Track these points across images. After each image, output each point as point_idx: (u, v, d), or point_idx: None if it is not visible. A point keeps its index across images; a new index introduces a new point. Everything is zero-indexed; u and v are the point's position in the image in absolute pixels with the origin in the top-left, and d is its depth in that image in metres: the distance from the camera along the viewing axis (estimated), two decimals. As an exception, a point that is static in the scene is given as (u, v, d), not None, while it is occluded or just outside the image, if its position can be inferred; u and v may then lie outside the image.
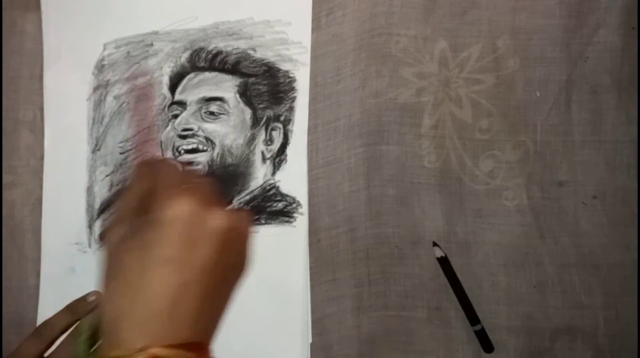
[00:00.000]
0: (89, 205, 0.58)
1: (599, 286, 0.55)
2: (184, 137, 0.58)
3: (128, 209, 0.46)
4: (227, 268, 0.46)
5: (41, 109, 0.58)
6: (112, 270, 0.43)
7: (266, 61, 0.58)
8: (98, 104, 0.59)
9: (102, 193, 0.58)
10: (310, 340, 0.57)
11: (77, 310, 0.53)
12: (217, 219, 0.43)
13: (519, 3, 0.56)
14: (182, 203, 0.43)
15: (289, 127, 0.58)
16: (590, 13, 0.56)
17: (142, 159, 0.56)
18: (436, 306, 0.57)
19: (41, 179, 0.58)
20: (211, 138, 0.58)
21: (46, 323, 0.52)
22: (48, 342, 0.51)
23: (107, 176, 0.58)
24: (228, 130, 0.58)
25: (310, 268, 0.57)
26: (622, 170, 0.55)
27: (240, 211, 0.49)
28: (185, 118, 0.58)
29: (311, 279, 0.57)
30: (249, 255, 0.49)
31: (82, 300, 0.53)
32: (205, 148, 0.58)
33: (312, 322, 0.57)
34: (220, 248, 0.44)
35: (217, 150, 0.58)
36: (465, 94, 0.57)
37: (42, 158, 0.58)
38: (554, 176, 0.56)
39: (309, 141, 0.58)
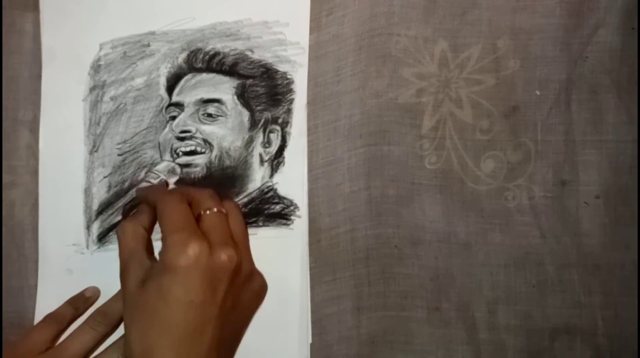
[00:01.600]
0: (87, 206, 0.57)
1: (599, 286, 0.55)
2: (182, 139, 0.57)
3: (137, 251, 0.50)
4: (243, 298, 0.50)
5: (40, 109, 0.57)
6: (136, 312, 0.47)
7: (264, 62, 0.57)
8: (94, 105, 0.58)
9: (100, 194, 0.57)
10: (310, 341, 0.56)
11: (77, 305, 0.55)
12: (225, 262, 0.47)
13: (519, 3, 0.56)
14: (193, 249, 0.46)
15: (287, 129, 0.57)
16: (590, 13, 0.55)
17: (140, 189, 0.57)
18: (436, 307, 0.56)
19: (40, 179, 0.58)
20: (209, 139, 0.57)
21: (54, 314, 0.55)
22: (58, 330, 0.54)
23: (105, 177, 0.57)
24: (226, 132, 0.57)
25: (310, 268, 0.56)
26: (624, 170, 0.55)
27: (237, 243, 0.51)
28: (183, 120, 0.57)
29: (311, 279, 0.56)
30: (260, 279, 0.53)
31: (81, 295, 0.56)
32: (203, 150, 0.57)
33: (312, 322, 0.56)
34: (232, 285, 0.48)
35: (215, 152, 0.57)
36: (465, 94, 0.56)
37: (40, 158, 0.58)
38: (555, 175, 0.56)
39: (309, 141, 0.57)
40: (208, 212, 0.50)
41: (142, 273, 0.48)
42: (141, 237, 0.51)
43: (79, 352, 0.52)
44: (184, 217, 0.49)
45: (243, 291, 0.50)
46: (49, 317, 0.54)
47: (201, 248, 0.46)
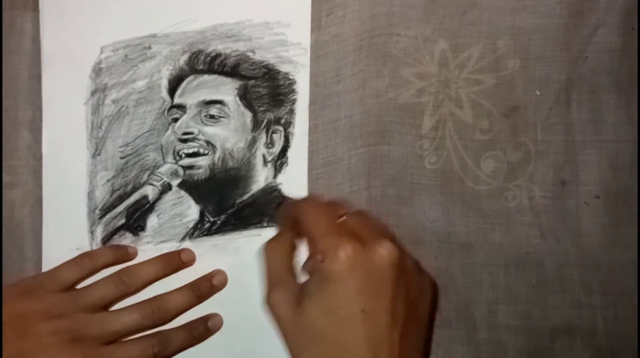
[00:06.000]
0: (90, 210, 0.56)
1: (599, 286, 0.53)
2: (184, 141, 0.56)
3: (284, 273, 0.46)
4: (414, 299, 0.44)
5: (40, 110, 0.56)
6: (304, 339, 0.42)
7: (266, 63, 0.56)
8: (96, 108, 0.57)
9: (103, 197, 0.57)
10: None
11: (118, 255, 0.55)
12: (385, 256, 0.42)
13: (519, 3, 0.54)
14: (346, 251, 0.41)
15: (290, 129, 0.56)
16: (590, 13, 0.54)
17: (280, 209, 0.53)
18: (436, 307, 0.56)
19: (41, 179, 0.57)
20: (212, 141, 0.56)
21: (90, 254, 0.54)
22: (87, 272, 0.53)
23: (108, 180, 0.56)
24: (229, 133, 0.56)
25: None
26: (624, 170, 0.53)
27: (392, 237, 0.46)
28: (185, 122, 0.56)
29: None
30: (428, 275, 0.48)
31: (125, 248, 0.56)
32: (206, 152, 0.56)
33: None
34: (399, 283, 0.42)
35: (218, 154, 0.56)
36: (465, 94, 0.55)
37: (41, 158, 0.57)
38: (555, 175, 0.54)
39: (309, 141, 0.56)
40: (347, 214, 0.46)
41: (293, 296, 0.43)
42: (288, 256, 0.47)
43: (98, 302, 0.52)
44: (326, 219, 0.45)
45: (413, 290, 0.44)
46: (83, 256, 0.54)
47: (355, 248, 0.41)
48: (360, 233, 0.43)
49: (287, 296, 0.43)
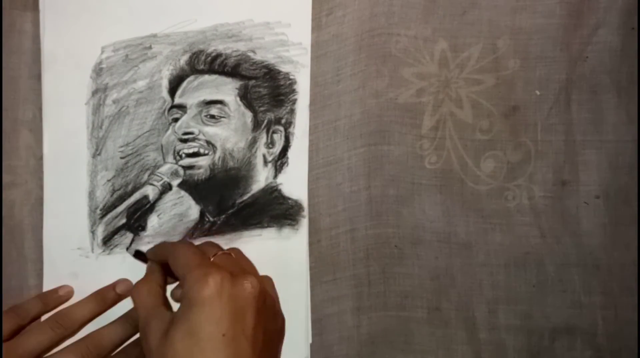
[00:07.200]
0: (91, 210, 0.56)
1: (599, 286, 0.53)
2: (184, 141, 0.56)
3: (155, 307, 0.47)
4: (271, 333, 0.47)
5: (40, 109, 0.56)
6: None
7: (266, 63, 0.56)
8: (97, 108, 0.56)
9: (103, 197, 0.56)
10: (310, 341, 0.55)
11: (47, 301, 0.53)
12: (249, 289, 0.44)
13: (519, 3, 0.54)
14: (215, 279, 0.43)
15: (290, 130, 0.56)
16: (590, 13, 0.54)
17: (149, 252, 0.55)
18: (436, 307, 0.55)
19: (41, 179, 0.56)
20: (212, 141, 0.56)
21: (18, 307, 0.52)
22: (19, 325, 0.51)
23: (108, 180, 0.56)
24: (229, 133, 0.56)
25: (310, 268, 0.55)
26: (624, 170, 0.53)
27: (265, 277, 0.50)
28: (186, 122, 0.56)
29: (311, 279, 0.55)
30: (282, 316, 0.50)
31: (54, 291, 0.54)
32: (206, 152, 0.56)
33: (312, 322, 0.55)
34: (260, 315, 0.45)
35: (218, 154, 0.56)
36: (465, 94, 0.55)
37: (41, 158, 0.57)
38: (555, 175, 0.54)
39: (309, 141, 0.56)
40: (216, 255, 0.49)
41: (164, 325, 0.44)
42: (157, 294, 0.48)
43: (33, 351, 0.49)
44: (198, 256, 0.47)
45: (270, 325, 0.47)
46: (13, 310, 0.51)
47: (222, 277, 0.43)
48: (230, 268, 0.46)
49: (158, 326, 0.44)
